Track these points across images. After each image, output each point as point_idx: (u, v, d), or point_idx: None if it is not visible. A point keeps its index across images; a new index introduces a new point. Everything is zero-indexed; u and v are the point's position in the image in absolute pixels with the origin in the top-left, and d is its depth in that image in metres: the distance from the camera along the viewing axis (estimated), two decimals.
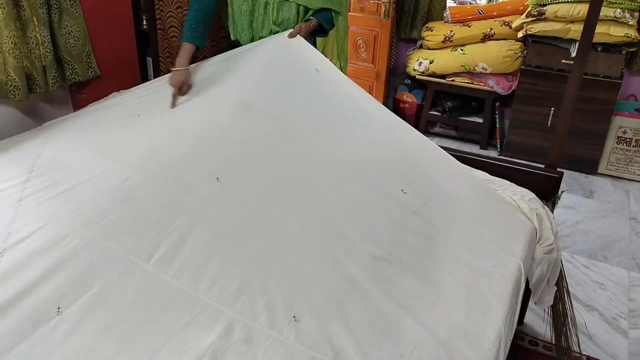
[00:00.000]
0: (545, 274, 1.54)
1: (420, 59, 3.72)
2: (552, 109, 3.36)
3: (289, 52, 1.89)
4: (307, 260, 1.23)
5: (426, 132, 3.97)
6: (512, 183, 1.68)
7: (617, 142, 3.34)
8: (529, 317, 2.01)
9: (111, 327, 1.02)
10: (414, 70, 3.76)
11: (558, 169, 1.74)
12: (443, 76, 3.71)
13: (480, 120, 3.72)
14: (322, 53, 2.13)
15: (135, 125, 1.71)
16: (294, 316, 1.06)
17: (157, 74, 2.74)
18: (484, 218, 1.47)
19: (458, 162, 1.72)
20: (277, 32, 1.97)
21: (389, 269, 1.23)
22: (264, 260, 1.22)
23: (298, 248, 1.26)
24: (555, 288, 1.65)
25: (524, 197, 1.60)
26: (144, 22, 2.72)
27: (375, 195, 1.46)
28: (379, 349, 1.01)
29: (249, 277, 1.17)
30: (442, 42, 3.61)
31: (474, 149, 3.74)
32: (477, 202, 1.54)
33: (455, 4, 4.06)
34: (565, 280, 1.76)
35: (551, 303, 1.66)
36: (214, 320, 1.05)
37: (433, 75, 3.73)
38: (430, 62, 3.68)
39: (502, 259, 1.31)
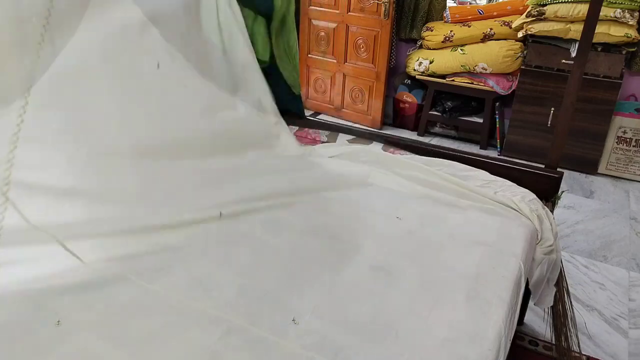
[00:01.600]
0: (545, 274, 1.54)
1: (420, 59, 3.72)
2: (552, 109, 3.36)
3: None
4: (306, 265, 1.24)
5: (426, 132, 3.97)
6: (512, 183, 1.68)
7: (617, 142, 3.34)
8: (529, 317, 2.01)
9: (108, 337, 1.02)
10: (414, 70, 3.77)
11: (558, 169, 1.74)
12: (443, 76, 3.72)
13: (480, 120, 3.72)
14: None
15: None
16: (293, 319, 1.06)
17: None
18: (484, 219, 1.47)
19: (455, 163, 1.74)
20: None
21: (389, 271, 1.23)
22: (262, 265, 1.23)
23: (296, 255, 1.26)
24: (555, 289, 1.65)
25: (524, 198, 1.60)
26: None
27: (371, 215, 1.46)
28: (379, 349, 1.01)
29: (248, 282, 1.17)
30: (442, 42, 3.61)
31: (474, 149, 3.74)
32: (476, 204, 1.54)
33: (455, 4, 4.07)
34: (565, 280, 1.76)
35: (551, 304, 1.66)
36: (213, 326, 1.04)
37: (433, 75, 3.73)
38: (430, 62, 3.68)
39: (503, 259, 1.31)
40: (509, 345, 1.12)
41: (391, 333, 1.05)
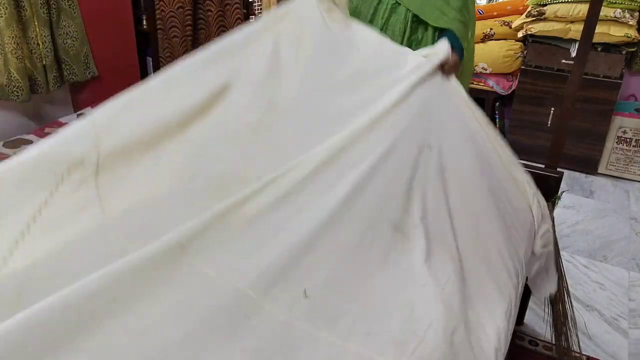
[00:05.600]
0: (544, 266, 1.53)
1: None
2: (552, 109, 3.36)
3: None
4: (318, 241, 1.11)
5: None
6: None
7: (617, 142, 3.34)
8: (529, 317, 2.01)
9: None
10: None
11: (558, 169, 1.74)
12: None
13: None
14: None
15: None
16: (304, 291, 0.99)
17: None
18: (486, 216, 1.43)
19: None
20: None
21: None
22: (274, 241, 1.11)
23: (310, 229, 1.14)
24: (556, 276, 1.62)
25: (529, 182, 1.59)
26: (144, 22, 2.73)
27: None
28: (390, 329, 0.98)
29: (257, 259, 1.06)
30: None
31: None
32: (481, 195, 1.44)
33: None
34: (565, 280, 1.76)
35: (553, 290, 1.62)
36: (218, 295, 0.97)
37: None
38: None
39: (503, 255, 1.30)
40: (509, 340, 1.11)
41: (403, 315, 1.01)
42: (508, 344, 1.11)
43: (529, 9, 3.29)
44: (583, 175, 3.41)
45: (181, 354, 0.87)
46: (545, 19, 3.22)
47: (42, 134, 2.06)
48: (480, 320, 1.09)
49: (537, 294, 1.63)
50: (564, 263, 1.75)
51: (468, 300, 1.13)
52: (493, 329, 1.07)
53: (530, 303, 1.96)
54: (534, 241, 1.48)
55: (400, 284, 1.08)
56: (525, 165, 1.79)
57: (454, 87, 1.47)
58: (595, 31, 1.64)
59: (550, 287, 1.62)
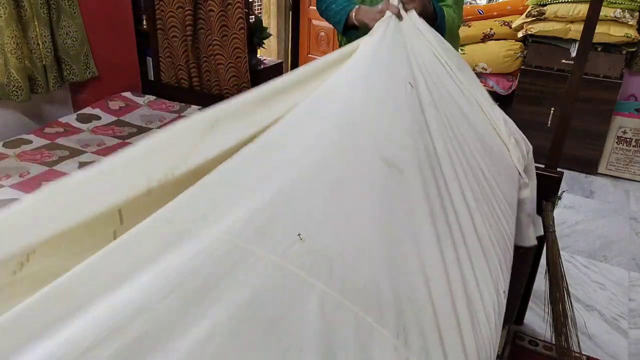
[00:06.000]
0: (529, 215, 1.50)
1: None
2: (552, 109, 3.36)
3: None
4: (308, 182, 1.00)
5: None
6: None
7: (617, 142, 3.34)
8: (529, 317, 2.01)
9: None
10: None
11: (558, 169, 1.74)
12: None
13: None
14: None
15: None
16: (299, 234, 0.90)
17: (157, 74, 2.74)
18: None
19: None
20: None
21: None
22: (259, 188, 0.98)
23: (298, 170, 1.02)
24: (539, 217, 1.58)
25: (506, 122, 1.53)
26: (144, 22, 2.73)
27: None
28: (385, 288, 0.91)
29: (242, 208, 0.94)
30: None
31: None
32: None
33: None
34: (565, 280, 1.76)
35: (540, 233, 1.60)
36: (203, 247, 0.84)
37: None
38: None
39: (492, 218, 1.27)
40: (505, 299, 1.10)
41: (397, 262, 0.96)
42: (505, 299, 1.10)
43: (529, 9, 3.29)
44: (583, 175, 3.42)
45: (168, 312, 0.76)
46: (545, 19, 3.22)
47: (42, 134, 2.06)
48: (479, 280, 1.05)
49: (522, 240, 1.53)
50: (564, 263, 1.75)
51: (465, 257, 1.07)
52: (491, 288, 1.06)
53: (530, 303, 1.96)
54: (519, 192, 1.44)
55: (395, 226, 1.01)
56: None
57: (414, 19, 1.47)
58: (595, 31, 1.64)
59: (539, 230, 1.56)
